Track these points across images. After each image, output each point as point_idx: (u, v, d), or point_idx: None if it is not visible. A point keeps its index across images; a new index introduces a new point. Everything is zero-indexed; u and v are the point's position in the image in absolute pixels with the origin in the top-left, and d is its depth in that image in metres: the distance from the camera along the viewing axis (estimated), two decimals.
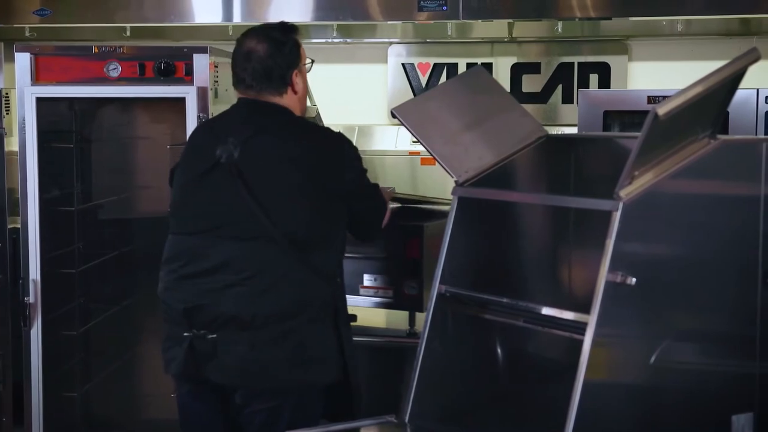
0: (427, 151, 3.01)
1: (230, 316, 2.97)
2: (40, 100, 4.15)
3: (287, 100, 3.19)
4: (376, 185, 3.34)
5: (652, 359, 2.61)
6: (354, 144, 3.25)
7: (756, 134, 4.84)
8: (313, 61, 3.28)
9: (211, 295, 2.98)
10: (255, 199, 2.95)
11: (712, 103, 2.66)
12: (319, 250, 3.03)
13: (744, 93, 4.82)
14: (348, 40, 7.37)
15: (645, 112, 2.47)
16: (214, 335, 2.96)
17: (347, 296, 3.35)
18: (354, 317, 3.55)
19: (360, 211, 3.22)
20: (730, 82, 2.61)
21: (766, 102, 4.94)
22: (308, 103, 3.37)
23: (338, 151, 3.17)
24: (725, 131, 4.70)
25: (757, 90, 4.91)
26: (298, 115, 3.23)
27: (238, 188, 2.96)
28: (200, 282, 3.01)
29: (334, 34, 7.18)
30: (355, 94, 7.71)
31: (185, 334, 2.99)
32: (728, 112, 4.62)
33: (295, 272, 2.98)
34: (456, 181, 3.00)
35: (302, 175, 3.03)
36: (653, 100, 4.89)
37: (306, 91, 3.27)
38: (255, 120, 3.13)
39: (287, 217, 2.99)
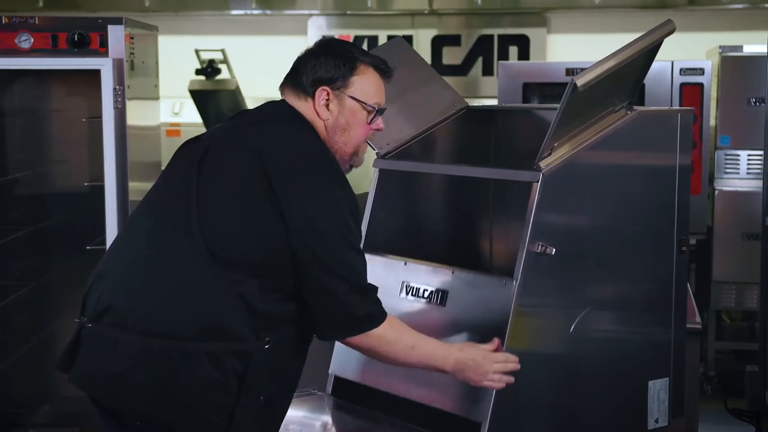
0: None
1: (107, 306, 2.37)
2: None
3: (309, 110, 2.52)
4: (354, 261, 2.36)
5: (572, 327, 2.65)
6: (348, 192, 2.40)
7: (671, 105, 4.93)
8: (380, 110, 2.56)
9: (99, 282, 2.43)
10: (197, 194, 2.39)
11: (628, 75, 2.70)
12: (247, 276, 2.32)
13: (659, 65, 4.90)
14: (267, 12, 7.32)
15: (564, 84, 2.49)
16: (89, 325, 2.37)
17: None
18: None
19: (309, 281, 2.35)
20: (646, 53, 2.65)
21: (680, 74, 5.04)
22: (351, 151, 2.52)
23: (307, 178, 2.38)
24: (642, 102, 4.78)
25: (672, 62, 5.00)
26: (314, 137, 2.49)
27: (191, 175, 2.42)
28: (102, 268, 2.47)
29: (253, 6, 7.12)
30: (275, 66, 7.60)
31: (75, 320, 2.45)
32: (644, 84, 4.69)
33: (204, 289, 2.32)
34: (377, 154, 3.00)
35: (253, 184, 2.37)
36: (572, 72, 4.94)
37: (345, 129, 2.52)
38: (266, 109, 2.60)
39: (217, 226, 2.36)
